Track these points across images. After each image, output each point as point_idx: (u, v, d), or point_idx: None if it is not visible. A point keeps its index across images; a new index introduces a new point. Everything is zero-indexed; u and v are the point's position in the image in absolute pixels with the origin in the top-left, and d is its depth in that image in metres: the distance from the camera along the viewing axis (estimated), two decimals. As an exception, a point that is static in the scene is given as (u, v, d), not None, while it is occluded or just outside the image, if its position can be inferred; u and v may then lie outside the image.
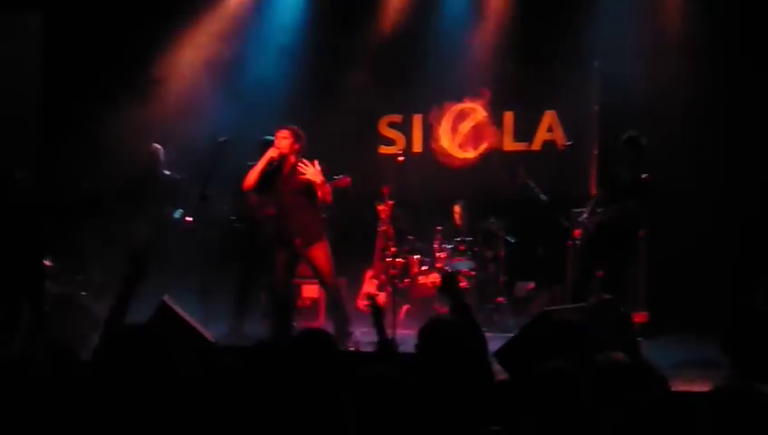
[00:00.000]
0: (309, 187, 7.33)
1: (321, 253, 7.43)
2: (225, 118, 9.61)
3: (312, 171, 7.25)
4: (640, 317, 8.27)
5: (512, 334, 5.63)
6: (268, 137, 7.75)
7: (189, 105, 10.10)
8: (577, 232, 8.00)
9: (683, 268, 8.68)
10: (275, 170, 7.41)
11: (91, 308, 7.36)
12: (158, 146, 8.73)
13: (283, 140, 7.33)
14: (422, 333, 3.80)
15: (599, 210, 7.68)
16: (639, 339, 6.86)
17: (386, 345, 4.29)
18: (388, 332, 6.45)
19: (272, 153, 7.32)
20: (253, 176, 7.37)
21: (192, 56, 10.25)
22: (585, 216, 7.77)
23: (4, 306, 7.22)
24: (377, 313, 4.44)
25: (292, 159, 7.36)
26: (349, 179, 7.81)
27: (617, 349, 3.91)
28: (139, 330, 3.48)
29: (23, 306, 7.21)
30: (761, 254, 8.42)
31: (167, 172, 8.67)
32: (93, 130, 10.11)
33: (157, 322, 5.17)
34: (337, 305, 7.57)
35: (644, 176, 7.49)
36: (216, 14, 10.20)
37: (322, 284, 7.78)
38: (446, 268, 8.87)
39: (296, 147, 7.35)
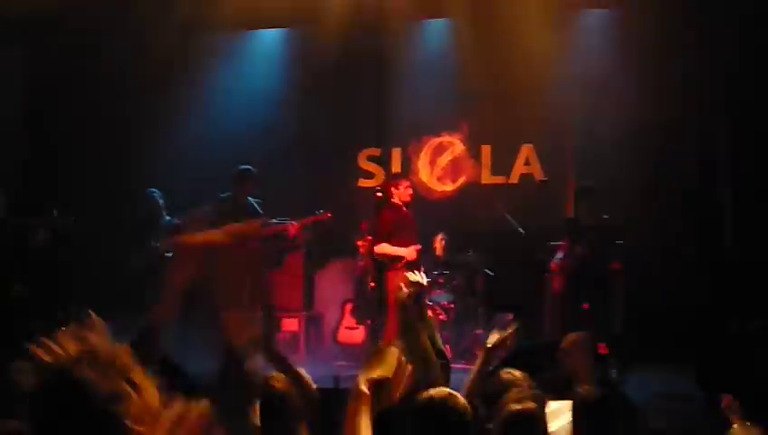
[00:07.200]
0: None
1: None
2: (199, 156, 9.72)
3: None
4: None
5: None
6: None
7: (163, 145, 10.12)
8: (553, 265, 8.15)
9: (657, 301, 8.76)
10: None
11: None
12: (154, 190, 8.77)
13: None
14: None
15: (570, 253, 7.94)
16: (613, 371, 6.99)
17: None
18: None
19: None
20: None
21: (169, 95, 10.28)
22: (560, 256, 7.98)
23: None
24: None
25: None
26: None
27: (591, 383, 3.98)
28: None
29: None
30: (734, 285, 8.52)
31: (167, 217, 8.71)
32: (69, 167, 10.17)
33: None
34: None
35: (605, 217, 7.91)
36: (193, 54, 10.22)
37: None
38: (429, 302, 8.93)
39: None
